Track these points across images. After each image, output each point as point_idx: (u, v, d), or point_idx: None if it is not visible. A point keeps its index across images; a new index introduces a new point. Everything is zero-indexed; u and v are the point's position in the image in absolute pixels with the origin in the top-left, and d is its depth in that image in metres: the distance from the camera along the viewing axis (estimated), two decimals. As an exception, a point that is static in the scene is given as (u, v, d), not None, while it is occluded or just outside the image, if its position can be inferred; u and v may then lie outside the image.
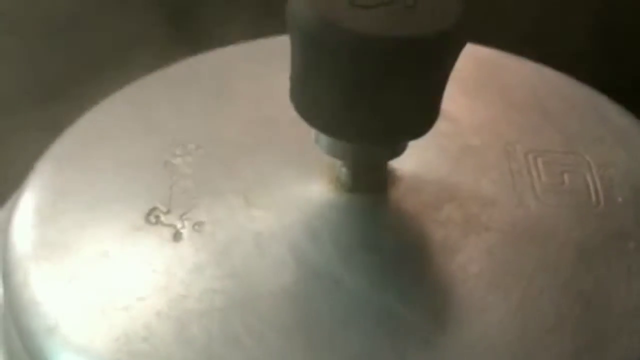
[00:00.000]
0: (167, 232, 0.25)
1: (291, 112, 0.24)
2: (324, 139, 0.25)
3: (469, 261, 0.25)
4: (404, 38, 0.22)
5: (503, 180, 0.27)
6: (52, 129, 0.28)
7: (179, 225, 0.25)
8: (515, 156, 0.28)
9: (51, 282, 0.25)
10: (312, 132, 0.25)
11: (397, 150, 0.25)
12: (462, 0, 0.22)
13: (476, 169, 0.27)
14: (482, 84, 0.30)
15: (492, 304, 0.24)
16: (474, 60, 0.30)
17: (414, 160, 0.26)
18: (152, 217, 0.26)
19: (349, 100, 0.23)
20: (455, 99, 0.27)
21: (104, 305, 0.24)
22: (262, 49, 0.31)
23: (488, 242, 0.25)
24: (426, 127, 0.24)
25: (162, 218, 0.26)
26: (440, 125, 0.24)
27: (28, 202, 0.27)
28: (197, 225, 0.25)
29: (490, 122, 0.29)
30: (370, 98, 0.23)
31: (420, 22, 0.22)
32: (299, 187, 0.26)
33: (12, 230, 0.26)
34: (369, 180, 0.26)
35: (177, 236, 0.25)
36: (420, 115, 0.24)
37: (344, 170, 0.26)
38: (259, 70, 0.30)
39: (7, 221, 0.27)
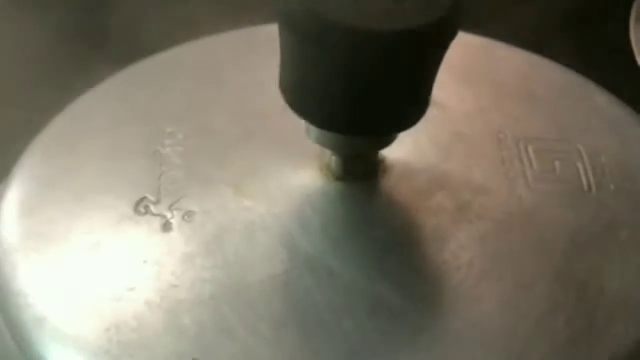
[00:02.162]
0: (157, 222, 0.25)
1: (281, 101, 0.24)
2: (313, 129, 0.24)
3: (461, 249, 0.25)
4: (392, 31, 0.21)
5: (494, 168, 0.27)
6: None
7: (168, 215, 0.25)
8: (507, 144, 0.27)
9: (40, 273, 0.24)
10: (303, 123, 0.24)
11: (387, 140, 0.25)
12: None
13: (467, 156, 0.27)
14: (473, 72, 0.30)
15: (484, 291, 0.24)
16: (464, 48, 0.30)
17: (405, 148, 0.26)
18: (141, 207, 0.25)
19: (337, 92, 0.23)
20: (446, 86, 0.27)
21: (94, 296, 0.24)
22: (252, 36, 0.31)
23: (480, 230, 0.25)
24: (416, 118, 0.24)
25: (152, 208, 0.25)
26: (431, 113, 0.24)
27: (15, 193, 0.26)
28: (187, 215, 0.25)
29: (481, 110, 0.29)
30: (358, 90, 0.23)
31: (408, 15, 0.22)
32: (289, 176, 0.26)
33: (-1, 221, 0.26)
34: (359, 169, 0.26)
35: (166, 226, 0.25)
36: (410, 106, 0.24)
37: (334, 158, 0.26)
38: (249, 59, 0.30)
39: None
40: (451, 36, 0.22)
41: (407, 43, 0.21)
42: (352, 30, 0.21)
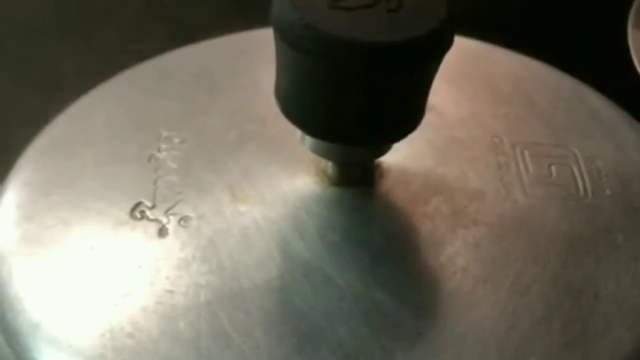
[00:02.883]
0: (153, 228, 0.25)
1: (277, 106, 0.24)
2: (308, 138, 0.24)
3: (457, 254, 0.25)
4: (384, 43, 0.21)
5: (490, 173, 0.27)
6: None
7: (164, 221, 0.25)
8: (503, 149, 0.27)
9: (35, 279, 0.24)
10: (298, 131, 0.24)
11: (382, 149, 0.25)
12: (445, 5, 0.22)
13: (463, 161, 0.27)
14: (469, 77, 0.30)
15: (480, 297, 0.24)
16: (460, 53, 0.30)
17: (401, 153, 0.26)
18: (137, 212, 0.25)
19: (330, 102, 0.23)
20: (442, 91, 0.27)
21: (89, 301, 0.24)
22: (248, 40, 0.31)
23: (476, 235, 0.25)
24: (410, 128, 0.24)
25: (148, 213, 0.25)
26: (427, 118, 0.24)
27: (11, 198, 0.26)
28: (183, 220, 0.25)
29: (477, 115, 0.29)
30: (351, 101, 0.23)
31: (401, 26, 0.22)
32: (285, 181, 0.26)
33: (-5, 227, 0.26)
34: (355, 175, 0.26)
35: (162, 231, 0.25)
36: (404, 117, 0.24)
37: (330, 164, 0.26)
38: (245, 63, 0.30)
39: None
40: (445, 48, 0.22)
41: (400, 54, 0.21)
42: (344, 41, 0.21)
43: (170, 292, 0.24)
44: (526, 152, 0.27)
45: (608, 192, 0.27)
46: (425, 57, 0.22)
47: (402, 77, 0.22)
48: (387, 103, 0.23)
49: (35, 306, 0.24)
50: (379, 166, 0.26)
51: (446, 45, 0.22)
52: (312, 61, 0.22)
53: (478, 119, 0.28)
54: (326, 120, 0.23)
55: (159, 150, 0.27)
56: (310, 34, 0.21)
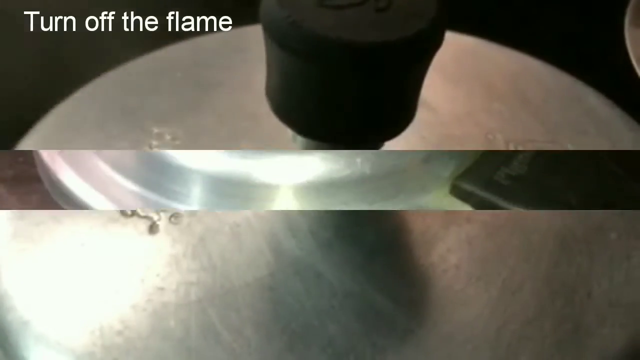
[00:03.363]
0: (143, 224, 0.25)
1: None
2: (299, 137, 0.24)
3: (449, 252, 0.24)
4: (371, 43, 0.21)
5: (484, 170, 0.27)
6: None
7: (155, 217, 0.25)
8: (496, 145, 0.27)
9: (25, 276, 0.24)
10: (289, 130, 0.24)
11: (374, 147, 0.25)
12: (435, 4, 0.22)
13: (457, 158, 0.27)
14: (464, 73, 0.30)
15: (472, 295, 0.24)
16: (455, 49, 0.30)
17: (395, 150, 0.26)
18: (128, 209, 0.25)
19: (319, 101, 0.22)
20: (436, 88, 0.27)
21: (79, 299, 0.24)
22: (241, 37, 0.31)
23: (469, 232, 0.25)
24: (401, 128, 0.24)
25: (138, 210, 0.25)
26: (420, 115, 0.24)
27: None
28: (174, 217, 0.25)
29: (471, 112, 0.28)
30: (340, 100, 0.22)
31: (389, 26, 0.21)
32: (277, 178, 0.26)
33: (-14, 223, 0.26)
34: (348, 172, 0.26)
35: (153, 228, 0.25)
36: (394, 117, 0.23)
37: (322, 161, 0.26)
38: (238, 60, 0.30)
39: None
40: (434, 48, 0.22)
41: (387, 55, 0.21)
42: (331, 40, 0.21)
43: (161, 289, 0.23)
44: (520, 149, 0.27)
45: (602, 189, 0.26)
46: (413, 57, 0.22)
47: (391, 77, 0.22)
48: (376, 103, 0.22)
49: (25, 303, 0.24)
50: (371, 163, 0.26)
51: (435, 45, 0.22)
52: (300, 60, 0.21)
53: (472, 116, 0.28)
54: (315, 120, 0.23)
55: (150, 146, 0.27)
56: (296, 32, 0.21)
